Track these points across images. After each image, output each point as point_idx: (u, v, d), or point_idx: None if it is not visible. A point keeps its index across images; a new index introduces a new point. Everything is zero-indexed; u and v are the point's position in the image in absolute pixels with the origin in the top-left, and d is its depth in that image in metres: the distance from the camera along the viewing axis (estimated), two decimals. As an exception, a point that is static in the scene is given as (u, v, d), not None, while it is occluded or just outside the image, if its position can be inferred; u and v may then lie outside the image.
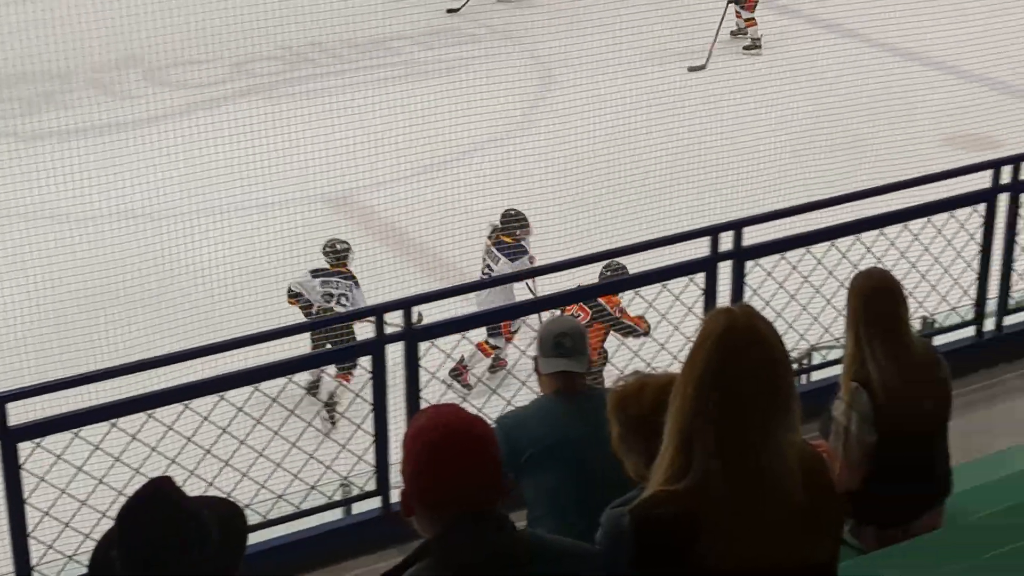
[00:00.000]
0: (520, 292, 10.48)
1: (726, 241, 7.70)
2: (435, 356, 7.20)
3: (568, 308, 9.50)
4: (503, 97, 13.58)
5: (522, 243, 11.07)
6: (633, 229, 11.50)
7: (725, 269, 7.76)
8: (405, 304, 7.11)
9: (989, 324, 8.60)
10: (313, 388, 10.21)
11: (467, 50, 14.96)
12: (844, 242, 8.14)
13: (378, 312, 6.99)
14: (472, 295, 9.62)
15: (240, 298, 10.70)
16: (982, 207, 8.36)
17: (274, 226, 11.85)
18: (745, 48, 17.30)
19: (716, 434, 3.15)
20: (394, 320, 6.95)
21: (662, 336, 7.89)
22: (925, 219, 8.36)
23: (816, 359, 8.21)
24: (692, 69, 16.18)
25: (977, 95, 14.64)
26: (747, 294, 7.83)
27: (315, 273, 10.95)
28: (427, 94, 13.40)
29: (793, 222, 8.13)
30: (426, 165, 12.97)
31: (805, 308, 8.26)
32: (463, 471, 3.20)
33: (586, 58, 13.92)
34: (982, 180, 8.42)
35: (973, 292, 8.52)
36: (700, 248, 7.71)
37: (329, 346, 9.67)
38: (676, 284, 7.75)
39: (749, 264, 7.84)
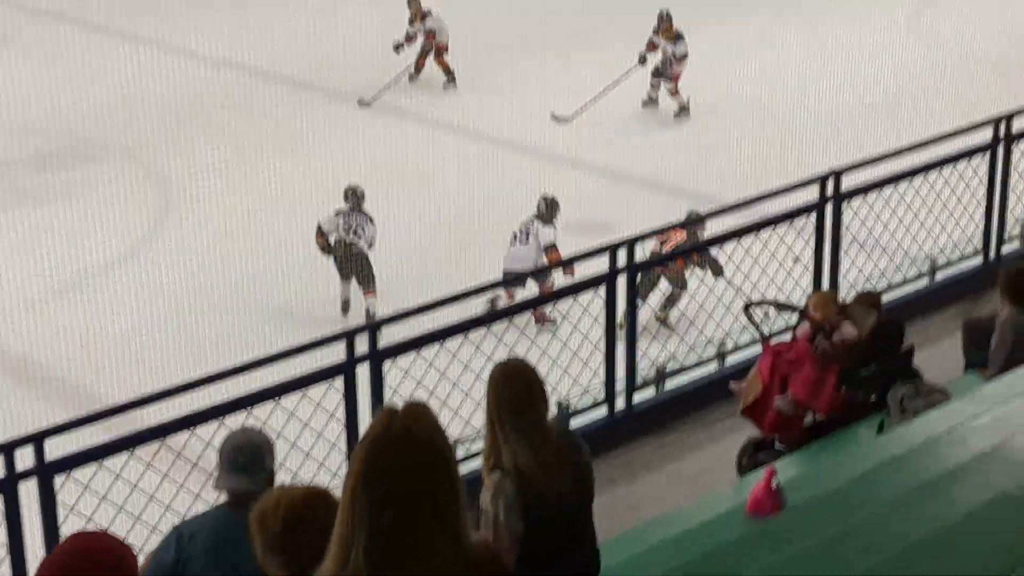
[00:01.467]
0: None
1: (362, 343, 7.75)
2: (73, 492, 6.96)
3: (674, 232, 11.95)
4: (124, 215, 13.34)
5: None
6: (271, 337, 11.48)
7: (363, 371, 7.81)
8: (37, 438, 6.84)
9: (620, 403, 8.93)
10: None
11: (85, 172, 14.63)
12: (476, 334, 8.32)
13: (7, 450, 6.71)
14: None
15: None
16: (603, 290, 8.70)
17: None
18: (677, 115, 17.96)
19: (377, 537, 3.13)
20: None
21: (305, 444, 7.87)
22: (551, 305, 8.63)
23: (460, 452, 8.32)
24: (556, 118, 16.97)
25: (589, 182, 15.25)
26: (387, 393, 7.89)
27: (337, 212, 13.53)
28: (45, 219, 13.05)
29: (423, 320, 8.26)
30: (48, 292, 12.57)
31: (444, 402, 8.37)
32: None
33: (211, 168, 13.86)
34: (601, 264, 8.78)
35: (602, 373, 8.84)
36: (337, 353, 7.74)
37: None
38: (317, 390, 7.75)
39: (387, 364, 7.91)
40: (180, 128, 15.62)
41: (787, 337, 8.09)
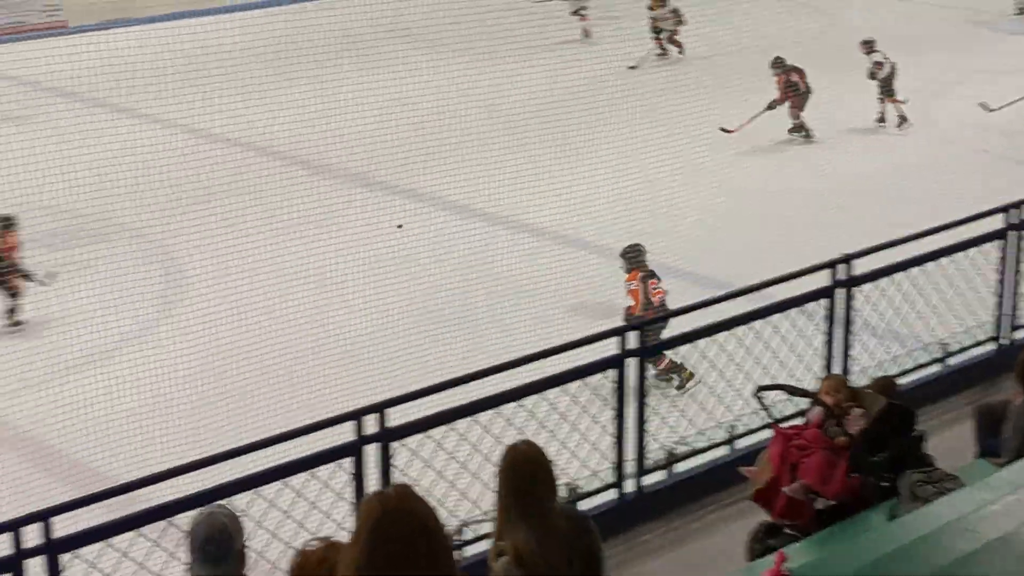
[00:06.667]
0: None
1: (371, 424, 7.73)
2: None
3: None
4: (135, 295, 13.35)
5: None
6: (279, 417, 11.41)
7: (372, 452, 7.78)
8: (43, 516, 6.81)
9: (630, 485, 8.87)
10: None
11: (94, 251, 14.64)
12: (485, 416, 8.28)
13: (14, 527, 6.68)
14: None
15: None
16: (612, 373, 8.68)
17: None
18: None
19: None
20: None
21: (313, 525, 7.82)
22: (559, 388, 8.60)
23: (468, 534, 8.26)
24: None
25: (590, 264, 15.18)
26: (395, 475, 7.84)
27: None
28: (56, 297, 13.06)
29: (433, 400, 8.23)
30: (56, 369, 12.55)
31: (453, 484, 8.33)
32: None
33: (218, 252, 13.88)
34: (610, 346, 8.76)
35: (612, 456, 8.79)
36: (344, 433, 7.71)
37: None
38: (324, 470, 7.71)
39: (395, 445, 7.88)
40: (192, 208, 15.66)
41: (798, 421, 8.06)
